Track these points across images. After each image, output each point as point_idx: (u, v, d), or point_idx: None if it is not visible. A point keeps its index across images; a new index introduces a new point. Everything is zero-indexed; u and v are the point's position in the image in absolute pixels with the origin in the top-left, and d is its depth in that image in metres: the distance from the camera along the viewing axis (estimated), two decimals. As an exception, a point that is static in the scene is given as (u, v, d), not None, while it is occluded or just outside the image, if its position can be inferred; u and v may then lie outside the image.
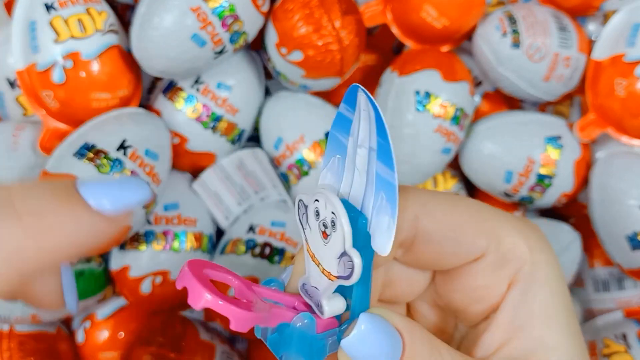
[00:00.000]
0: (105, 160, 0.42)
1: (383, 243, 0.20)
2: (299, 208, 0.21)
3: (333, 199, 0.20)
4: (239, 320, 0.19)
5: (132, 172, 0.42)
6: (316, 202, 0.20)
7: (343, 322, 0.22)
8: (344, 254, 0.20)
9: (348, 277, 0.20)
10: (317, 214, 0.20)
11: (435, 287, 0.26)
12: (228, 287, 0.22)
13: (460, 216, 0.23)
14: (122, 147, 0.42)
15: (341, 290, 0.21)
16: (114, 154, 0.42)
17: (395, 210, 0.19)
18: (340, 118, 0.21)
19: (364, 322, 0.20)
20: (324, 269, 0.21)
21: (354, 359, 0.20)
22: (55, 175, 0.42)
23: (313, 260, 0.21)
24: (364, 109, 0.20)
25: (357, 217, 0.20)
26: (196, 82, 0.48)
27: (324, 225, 0.20)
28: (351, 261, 0.19)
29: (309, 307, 0.22)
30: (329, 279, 0.21)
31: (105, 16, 0.45)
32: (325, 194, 0.20)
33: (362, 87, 0.20)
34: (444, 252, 0.24)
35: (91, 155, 0.42)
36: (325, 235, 0.20)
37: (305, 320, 0.21)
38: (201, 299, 0.18)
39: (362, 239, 0.20)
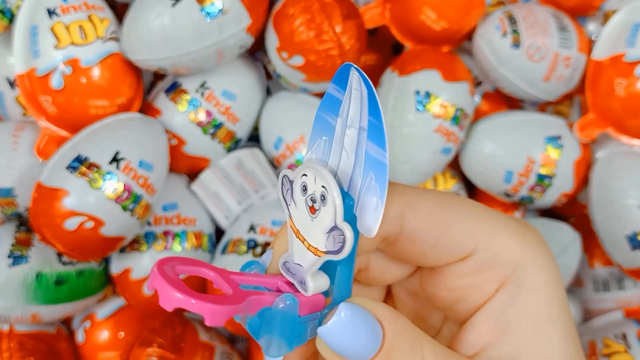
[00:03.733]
0: (97, 175, 0.42)
1: (370, 224, 0.19)
2: (282, 184, 0.21)
3: (324, 172, 0.19)
4: (213, 316, 0.18)
5: (125, 184, 0.42)
6: (304, 176, 0.20)
7: (325, 307, 0.21)
8: (334, 228, 0.19)
9: (338, 252, 0.19)
10: (305, 189, 0.20)
11: (420, 281, 0.26)
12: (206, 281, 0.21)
13: (447, 215, 0.23)
14: (115, 159, 0.42)
15: (324, 272, 0.21)
16: (107, 167, 0.42)
17: (385, 190, 0.19)
18: (328, 99, 0.21)
19: (344, 310, 0.20)
20: (309, 244, 0.20)
21: (330, 347, 0.20)
22: (49, 189, 0.42)
23: (297, 237, 0.21)
24: (355, 88, 0.20)
25: (343, 199, 0.20)
26: (202, 86, 0.48)
27: (312, 200, 0.20)
28: (342, 235, 0.19)
29: (291, 286, 0.22)
30: (316, 254, 0.20)
31: (107, 23, 0.45)
32: (316, 168, 0.20)
33: (356, 66, 0.20)
34: (428, 250, 0.23)
35: (83, 169, 0.42)
36: (313, 210, 0.20)
37: (288, 302, 0.20)
38: (172, 300, 0.18)
39: (347, 220, 0.19)
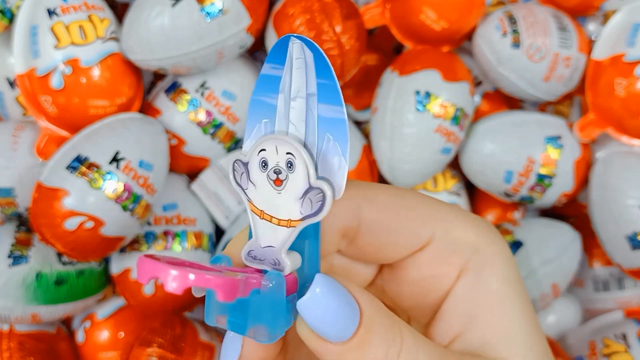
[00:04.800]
0: (97, 175, 0.42)
1: (337, 184, 0.19)
2: (235, 170, 0.20)
3: (287, 139, 0.19)
4: (227, 289, 0.18)
5: (125, 184, 0.42)
6: (262, 152, 0.20)
7: (299, 288, 0.21)
8: (309, 189, 0.19)
9: (318, 212, 0.19)
10: (264, 164, 0.20)
11: (383, 282, 0.25)
12: None
13: (404, 206, 0.23)
14: (115, 159, 0.42)
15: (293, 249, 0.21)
16: (107, 167, 0.42)
17: (346, 145, 0.19)
18: (264, 80, 0.20)
19: (320, 282, 0.19)
20: (280, 220, 0.20)
21: (309, 324, 0.19)
22: (49, 189, 0.42)
23: (263, 218, 0.20)
24: (297, 57, 0.19)
25: None
26: (202, 86, 0.48)
27: (275, 172, 0.19)
28: (321, 192, 0.19)
29: (261, 273, 0.21)
30: (290, 226, 0.20)
31: (107, 23, 0.45)
32: (276, 138, 0.19)
33: (295, 34, 0.19)
34: (387, 241, 0.23)
35: (83, 169, 0.42)
36: (279, 182, 0.19)
37: (274, 281, 0.20)
38: (186, 279, 0.17)
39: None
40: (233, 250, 0.22)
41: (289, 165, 0.19)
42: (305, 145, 0.19)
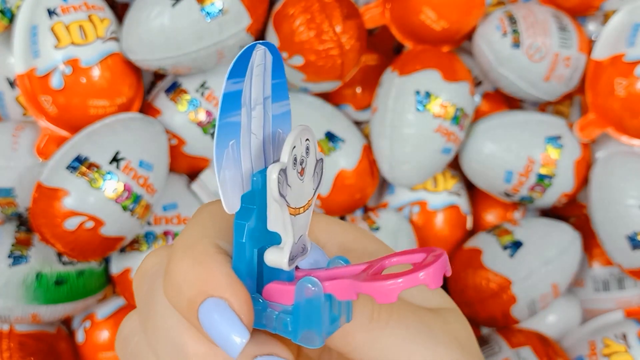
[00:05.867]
0: (97, 175, 0.42)
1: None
2: (279, 183, 0.19)
3: (302, 127, 0.19)
4: (389, 293, 0.17)
5: (125, 184, 0.42)
6: (294, 149, 0.19)
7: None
8: (316, 163, 0.20)
9: (321, 180, 0.20)
10: (295, 160, 0.19)
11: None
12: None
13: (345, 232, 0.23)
14: (115, 159, 0.42)
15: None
16: (107, 167, 0.42)
17: (289, 127, 0.19)
18: (227, 99, 0.18)
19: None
20: (302, 206, 0.20)
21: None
22: (49, 189, 0.42)
23: (296, 215, 0.20)
24: (258, 64, 0.19)
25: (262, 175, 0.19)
26: (202, 86, 0.48)
27: (301, 164, 0.19)
28: (321, 159, 0.20)
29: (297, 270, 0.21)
30: (308, 207, 0.20)
31: (107, 23, 0.45)
32: (296, 131, 0.19)
33: (262, 42, 0.18)
34: None
35: (83, 169, 0.42)
36: (302, 172, 0.19)
37: (312, 287, 0.19)
38: (396, 292, 0.17)
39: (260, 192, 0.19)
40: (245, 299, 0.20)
41: (307, 150, 0.19)
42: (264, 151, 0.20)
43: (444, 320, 0.22)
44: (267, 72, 0.19)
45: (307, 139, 0.19)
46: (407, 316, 0.21)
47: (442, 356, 0.20)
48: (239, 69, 0.18)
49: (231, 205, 0.19)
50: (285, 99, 0.19)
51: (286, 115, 0.19)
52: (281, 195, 0.19)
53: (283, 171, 0.19)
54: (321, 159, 0.20)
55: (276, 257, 0.20)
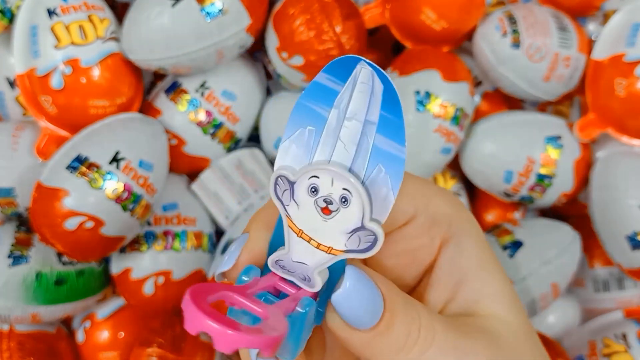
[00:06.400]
0: (97, 175, 0.42)
1: (380, 212, 0.20)
2: (277, 185, 0.21)
3: (347, 175, 0.19)
4: (271, 346, 0.18)
5: (125, 184, 0.42)
6: (313, 178, 0.20)
7: (320, 291, 0.22)
8: (359, 228, 0.20)
9: (366, 250, 0.20)
10: (314, 190, 0.20)
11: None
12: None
13: None
14: (115, 159, 0.42)
15: None
16: (107, 167, 0.42)
17: (398, 182, 0.20)
18: (316, 88, 0.20)
19: (350, 278, 0.20)
20: (320, 244, 0.21)
21: (343, 315, 0.21)
22: (49, 189, 0.42)
23: (300, 237, 0.21)
24: (362, 82, 0.20)
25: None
26: (202, 86, 0.48)
27: (325, 201, 0.20)
28: (373, 235, 0.20)
29: (286, 282, 0.22)
30: (330, 253, 0.20)
31: (107, 23, 0.45)
32: (334, 171, 0.20)
33: (368, 61, 0.20)
34: None
35: (83, 169, 0.42)
36: (327, 211, 0.20)
37: (307, 308, 0.21)
38: (235, 343, 0.17)
39: None
40: (257, 250, 0.23)
41: (343, 200, 0.20)
42: (351, 170, 0.20)
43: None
44: (376, 97, 0.20)
45: (347, 190, 0.20)
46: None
47: None
48: (337, 70, 0.20)
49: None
50: (400, 144, 0.20)
51: (398, 161, 0.20)
52: (277, 197, 0.21)
53: (286, 179, 0.20)
54: (371, 232, 0.20)
55: (272, 253, 0.22)
